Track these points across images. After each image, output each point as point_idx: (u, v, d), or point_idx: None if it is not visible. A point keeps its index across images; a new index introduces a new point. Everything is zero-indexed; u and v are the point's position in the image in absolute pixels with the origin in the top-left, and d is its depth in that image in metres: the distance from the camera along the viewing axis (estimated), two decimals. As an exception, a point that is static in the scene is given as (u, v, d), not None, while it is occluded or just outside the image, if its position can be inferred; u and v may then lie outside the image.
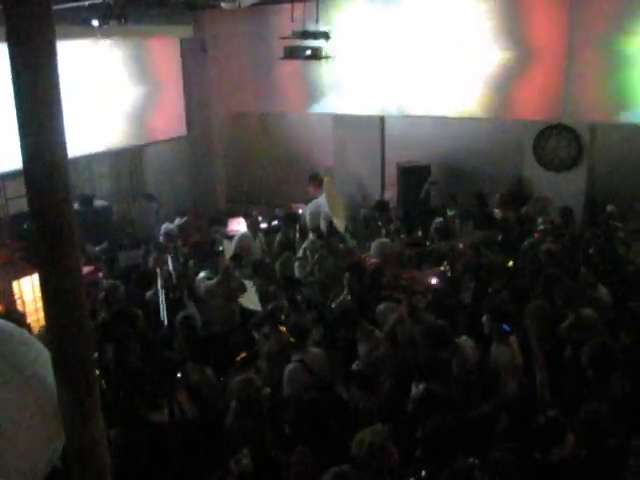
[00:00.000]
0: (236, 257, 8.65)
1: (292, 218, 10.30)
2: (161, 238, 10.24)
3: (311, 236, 9.09)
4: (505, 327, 5.80)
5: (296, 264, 8.73)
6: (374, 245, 8.55)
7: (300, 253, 8.91)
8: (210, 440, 4.97)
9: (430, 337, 5.73)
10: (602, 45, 10.26)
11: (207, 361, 6.00)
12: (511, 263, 8.12)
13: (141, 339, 6.41)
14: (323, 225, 9.72)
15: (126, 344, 6.05)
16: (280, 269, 8.98)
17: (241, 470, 4.14)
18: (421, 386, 4.99)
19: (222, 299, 7.64)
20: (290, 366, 5.86)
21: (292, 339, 6.30)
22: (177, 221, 11.27)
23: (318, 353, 6.08)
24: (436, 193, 11.67)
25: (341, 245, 9.21)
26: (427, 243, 9.38)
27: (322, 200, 9.99)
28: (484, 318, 5.93)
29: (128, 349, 6.04)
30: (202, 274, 8.31)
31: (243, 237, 9.59)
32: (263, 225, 11.00)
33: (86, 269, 8.76)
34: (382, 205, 10.94)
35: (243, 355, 5.84)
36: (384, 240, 8.87)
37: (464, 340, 5.98)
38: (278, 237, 9.97)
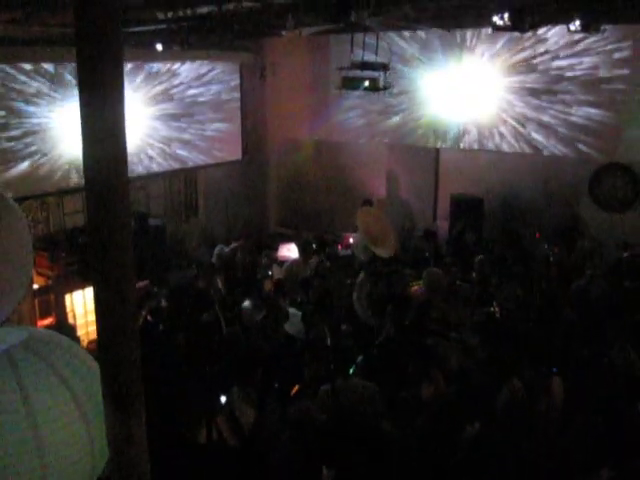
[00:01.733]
0: (279, 283, 8.62)
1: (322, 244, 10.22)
2: (214, 260, 10.31)
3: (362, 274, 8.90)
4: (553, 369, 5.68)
5: (354, 296, 8.58)
6: (425, 274, 8.38)
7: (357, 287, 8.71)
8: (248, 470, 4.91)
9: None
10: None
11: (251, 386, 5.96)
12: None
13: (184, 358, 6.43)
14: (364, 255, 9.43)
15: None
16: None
17: None
18: (477, 425, 4.89)
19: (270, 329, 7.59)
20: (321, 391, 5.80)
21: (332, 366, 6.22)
22: (232, 245, 11.34)
23: (357, 382, 5.97)
24: (471, 233, 11.45)
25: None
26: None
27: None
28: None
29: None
30: (246, 302, 8.28)
31: (294, 263, 9.53)
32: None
33: (141, 283, 8.87)
34: (430, 234, 10.82)
35: (297, 388, 5.78)
36: (436, 270, 8.68)
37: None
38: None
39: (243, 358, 6.33)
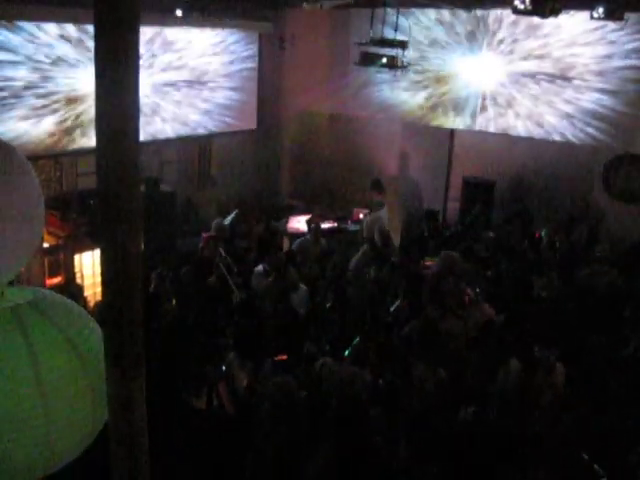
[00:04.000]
0: (291, 253, 8.67)
1: None
2: (212, 231, 10.40)
3: (364, 247, 8.94)
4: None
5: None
6: (441, 255, 8.31)
7: (352, 265, 8.77)
8: (239, 435, 4.95)
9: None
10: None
11: (251, 355, 6.00)
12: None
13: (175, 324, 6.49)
14: (377, 236, 9.50)
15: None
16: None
17: None
18: (470, 410, 4.93)
19: (276, 295, 7.64)
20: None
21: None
22: (230, 216, 11.38)
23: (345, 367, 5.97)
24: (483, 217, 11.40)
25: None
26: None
27: (383, 214, 9.77)
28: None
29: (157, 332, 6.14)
30: (260, 267, 8.35)
31: (304, 242, 9.53)
32: (325, 225, 10.97)
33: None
34: (431, 215, 10.79)
35: (283, 357, 5.80)
36: (451, 253, 8.56)
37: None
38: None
39: (243, 326, 6.38)
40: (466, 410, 4.99)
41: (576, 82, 10.98)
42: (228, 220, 11.06)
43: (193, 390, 5.29)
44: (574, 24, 10.46)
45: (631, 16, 8.32)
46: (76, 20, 9.52)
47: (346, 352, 6.14)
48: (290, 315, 7.18)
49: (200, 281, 7.90)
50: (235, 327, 6.54)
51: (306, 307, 7.62)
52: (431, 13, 11.66)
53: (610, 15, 7.63)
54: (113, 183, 2.00)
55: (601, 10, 7.54)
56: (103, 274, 2.14)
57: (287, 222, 11.99)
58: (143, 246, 9.10)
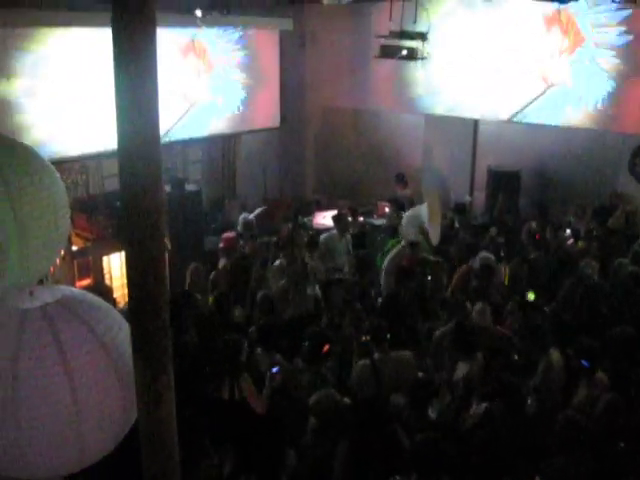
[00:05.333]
0: (311, 244, 8.70)
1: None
2: (239, 228, 10.50)
3: (400, 245, 8.80)
4: (584, 363, 5.59)
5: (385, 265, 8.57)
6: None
7: (385, 264, 8.72)
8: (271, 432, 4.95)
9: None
10: None
11: (276, 348, 6.02)
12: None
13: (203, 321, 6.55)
14: (414, 234, 9.16)
15: (183, 325, 6.19)
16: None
17: None
18: (483, 405, 4.93)
19: (289, 283, 7.67)
20: (359, 365, 5.83)
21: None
22: (256, 211, 11.46)
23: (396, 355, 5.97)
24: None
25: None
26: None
27: (422, 210, 9.47)
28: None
29: (185, 330, 6.19)
30: (277, 263, 8.42)
31: (329, 237, 9.42)
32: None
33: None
34: (460, 208, 10.71)
35: (327, 347, 5.80)
36: (488, 255, 8.37)
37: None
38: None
39: (266, 324, 6.43)
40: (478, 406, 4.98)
41: (603, 69, 10.84)
42: (253, 216, 11.15)
43: (215, 384, 5.31)
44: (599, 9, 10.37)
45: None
46: (94, 23, 9.57)
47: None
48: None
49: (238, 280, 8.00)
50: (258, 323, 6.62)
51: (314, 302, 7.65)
52: (452, 2, 11.58)
53: (630, -1, 7.53)
54: (135, 182, 2.04)
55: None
56: (128, 272, 2.18)
57: (313, 217, 12.03)
58: (170, 245, 9.22)
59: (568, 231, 9.96)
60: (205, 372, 5.33)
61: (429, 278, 8.01)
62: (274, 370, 5.42)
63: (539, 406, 5.38)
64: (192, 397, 4.87)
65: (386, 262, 8.51)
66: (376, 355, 5.82)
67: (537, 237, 9.33)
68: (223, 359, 5.45)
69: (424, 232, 9.04)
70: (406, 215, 9.75)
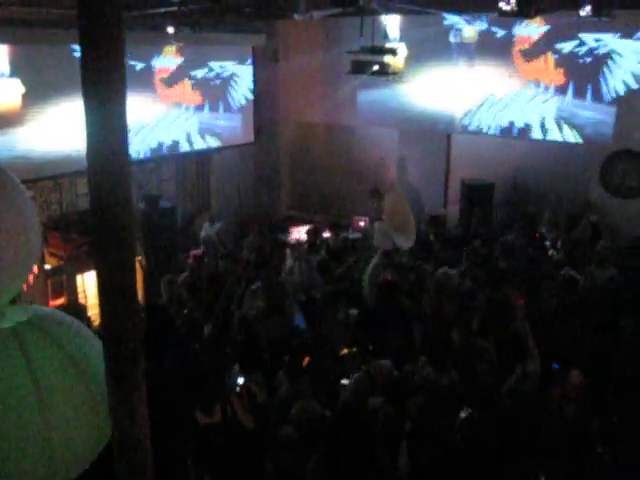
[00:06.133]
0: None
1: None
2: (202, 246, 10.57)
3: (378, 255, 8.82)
4: (554, 365, 5.66)
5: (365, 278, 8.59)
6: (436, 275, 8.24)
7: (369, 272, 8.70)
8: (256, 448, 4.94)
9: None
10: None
11: (256, 366, 6.02)
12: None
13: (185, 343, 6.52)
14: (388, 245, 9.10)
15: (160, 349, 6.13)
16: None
17: None
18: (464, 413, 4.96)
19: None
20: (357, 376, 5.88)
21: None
22: (217, 227, 11.46)
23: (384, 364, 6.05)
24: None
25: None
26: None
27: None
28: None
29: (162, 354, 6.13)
30: (254, 286, 8.36)
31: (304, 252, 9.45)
32: (326, 234, 11.01)
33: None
34: (435, 220, 10.75)
35: (308, 360, 5.83)
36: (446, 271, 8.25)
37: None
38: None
39: (248, 343, 6.42)
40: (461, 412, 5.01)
41: (571, 81, 11.05)
42: (214, 230, 11.13)
43: (204, 405, 5.27)
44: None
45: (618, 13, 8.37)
46: (64, 41, 9.53)
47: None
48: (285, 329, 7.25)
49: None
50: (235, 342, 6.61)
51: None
52: (422, 20, 11.71)
53: (598, 13, 7.66)
54: (104, 200, 2.04)
55: (588, 8, 7.57)
56: (100, 290, 2.18)
57: (289, 233, 12.05)
58: (145, 261, 9.19)
59: (548, 242, 10.07)
60: (190, 395, 5.28)
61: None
62: (239, 381, 5.43)
63: (514, 410, 5.44)
64: (179, 422, 4.85)
65: (368, 275, 8.54)
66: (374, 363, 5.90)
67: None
68: (211, 379, 5.43)
69: (389, 240, 9.09)
70: (377, 226, 9.79)
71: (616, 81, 10.73)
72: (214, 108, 13.27)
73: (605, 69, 10.78)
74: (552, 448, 4.76)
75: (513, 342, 6.16)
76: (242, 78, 13.80)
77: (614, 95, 10.80)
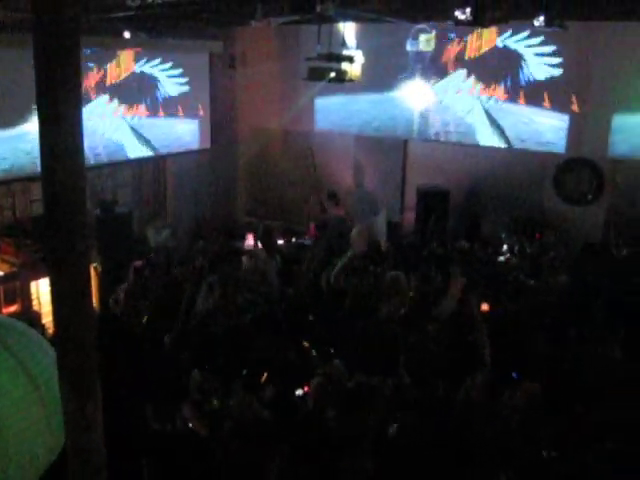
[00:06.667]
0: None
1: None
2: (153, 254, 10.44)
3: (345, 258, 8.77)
4: (514, 375, 5.72)
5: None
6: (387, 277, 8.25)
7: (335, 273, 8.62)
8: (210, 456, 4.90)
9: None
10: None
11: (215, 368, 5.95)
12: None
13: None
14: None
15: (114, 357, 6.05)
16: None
17: None
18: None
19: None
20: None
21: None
22: (165, 234, 11.34)
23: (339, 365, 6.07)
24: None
25: None
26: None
27: (379, 221, 9.22)
28: None
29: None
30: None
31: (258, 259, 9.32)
32: (280, 242, 10.95)
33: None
34: (391, 226, 10.82)
35: (266, 376, 5.80)
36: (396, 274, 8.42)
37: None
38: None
39: (204, 342, 6.35)
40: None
41: (524, 90, 11.26)
42: (164, 237, 11.03)
43: (159, 413, 5.20)
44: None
45: (571, 24, 8.56)
46: (18, 45, 9.38)
47: None
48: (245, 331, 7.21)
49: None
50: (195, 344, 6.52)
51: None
52: (379, 28, 11.80)
53: (550, 24, 7.82)
54: (58, 205, 2.01)
55: (542, 18, 7.72)
56: (52, 297, 2.14)
57: (244, 240, 12.00)
58: (101, 267, 9.06)
59: (505, 247, 10.20)
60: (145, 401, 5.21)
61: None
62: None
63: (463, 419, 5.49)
64: (133, 429, 4.79)
65: (334, 274, 8.50)
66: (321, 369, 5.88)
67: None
68: (167, 384, 5.37)
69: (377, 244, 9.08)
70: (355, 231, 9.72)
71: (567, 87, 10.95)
72: (170, 113, 13.18)
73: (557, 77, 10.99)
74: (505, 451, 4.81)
75: (469, 350, 6.22)
76: (199, 84, 13.73)
77: (568, 102, 11.01)
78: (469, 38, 11.49)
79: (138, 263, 8.96)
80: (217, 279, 7.93)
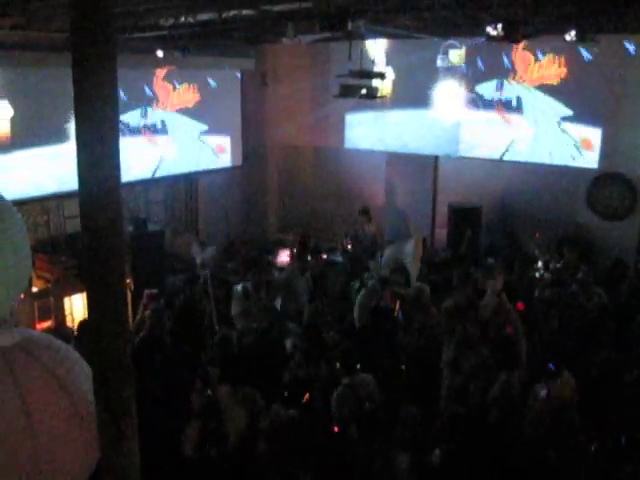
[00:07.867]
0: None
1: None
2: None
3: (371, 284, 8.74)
4: (550, 365, 5.71)
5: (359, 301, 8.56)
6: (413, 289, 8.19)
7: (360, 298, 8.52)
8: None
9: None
10: None
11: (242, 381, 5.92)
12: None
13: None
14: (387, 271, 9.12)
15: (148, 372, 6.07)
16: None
17: None
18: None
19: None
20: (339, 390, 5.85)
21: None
22: (209, 252, 11.34)
23: (366, 378, 6.05)
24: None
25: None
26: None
27: (408, 247, 9.18)
28: None
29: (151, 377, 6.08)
30: (239, 287, 8.42)
31: (289, 276, 9.28)
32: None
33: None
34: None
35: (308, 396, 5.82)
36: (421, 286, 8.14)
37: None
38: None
39: (236, 357, 6.37)
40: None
41: (555, 106, 11.18)
42: (209, 254, 11.02)
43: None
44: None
45: (602, 38, 8.50)
46: (55, 64, 9.54)
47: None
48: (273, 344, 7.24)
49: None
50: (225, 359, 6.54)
51: None
52: (410, 44, 11.81)
53: (582, 38, 7.78)
54: (95, 223, 2.04)
55: (573, 33, 7.68)
56: (89, 313, 2.17)
57: (276, 256, 12.03)
58: (133, 284, 9.05)
59: (540, 264, 10.11)
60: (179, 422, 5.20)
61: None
62: None
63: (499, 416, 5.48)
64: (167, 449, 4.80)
65: (360, 297, 8.50)
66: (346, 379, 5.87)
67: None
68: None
69: (402, 267, 9.03)
70: (387, 251, 9.66)
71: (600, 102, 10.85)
72: (202, 132, 13.29)
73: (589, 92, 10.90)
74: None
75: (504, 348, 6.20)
76: (230, 101, 13.84)
77: (600, 118, 10.91)
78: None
79: (151, 291, 8.80)
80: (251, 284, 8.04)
